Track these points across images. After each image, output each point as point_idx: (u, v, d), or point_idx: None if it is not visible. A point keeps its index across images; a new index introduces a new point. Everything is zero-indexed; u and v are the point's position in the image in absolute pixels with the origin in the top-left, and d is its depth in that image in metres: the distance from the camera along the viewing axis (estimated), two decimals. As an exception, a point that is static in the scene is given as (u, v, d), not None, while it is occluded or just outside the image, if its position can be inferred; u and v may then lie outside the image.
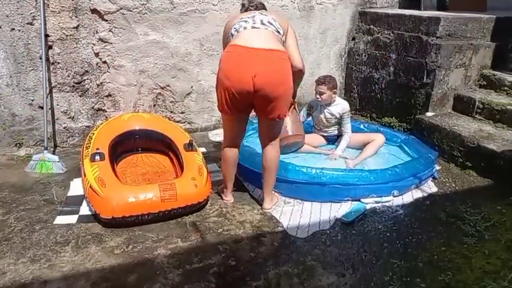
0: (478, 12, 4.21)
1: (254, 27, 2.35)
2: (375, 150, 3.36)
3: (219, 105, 2.42)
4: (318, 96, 3.34)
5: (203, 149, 3.49)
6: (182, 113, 3.94)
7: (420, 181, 2.96)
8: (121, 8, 3.38)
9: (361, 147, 3.41)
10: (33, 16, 3.12)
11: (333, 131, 3.51)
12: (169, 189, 2.44)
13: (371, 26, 4.31)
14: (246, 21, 2.38)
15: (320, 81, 3.32)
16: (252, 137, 3.65)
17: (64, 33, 3.26)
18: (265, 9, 2.62)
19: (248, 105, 2.39)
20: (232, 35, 2.39)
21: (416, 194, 2.92)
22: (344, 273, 2.09)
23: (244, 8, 2.60)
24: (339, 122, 3.45)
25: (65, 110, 3.47)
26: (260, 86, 2.24)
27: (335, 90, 3.38)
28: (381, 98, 4.28)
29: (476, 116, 3.66)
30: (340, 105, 3.41)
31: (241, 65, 2.27)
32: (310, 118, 3.62)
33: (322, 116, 3.46)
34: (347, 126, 3.43)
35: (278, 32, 2.40)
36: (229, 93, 2.30)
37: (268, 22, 2.39)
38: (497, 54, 3.96)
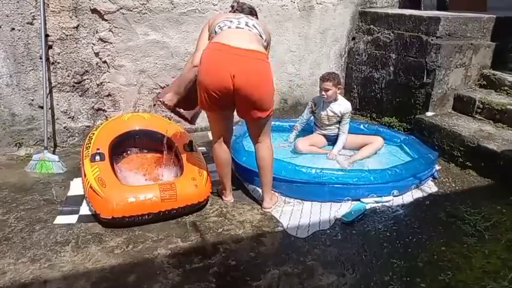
0: (478, 12, 4.21)
1: (238, 28, 2.38)
2: (371, 152, 3.37)
3: (200, 103, 2.40)
4: (323, 93, 3.33)
5: (203, 149, 3.49)
6: (182, 112, 3.94)
7: (420, 181, 2.96)
8: (121, 8, 3.38)
9: (358, 148, 3.42)
10: (33, 16, 3.12)
11: (333, 130, 3.51)
12: (169, 189, 2.44)
13: (371, 26, 4.31)
14: (231, 21, 2.41)
15: (325, 78, 3.33)
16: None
17: (64, 33, 3.26)
18: (254, 15, 2.63)
19: (229, 103, 2.36)
20: (216, 32, 2.39)
21: (416, 193, 2.92)
22: (344, 273, 2.09)
23: (233, 10, 2.62)
24: (340, 121, 3.45)
25: (65, 110, 3.47)
26: (239, 85, 2.24)
27: (340, 86, 3.40)
28: (381, 97, 4.28)
29: (476, 116, 3.66)
30: (343, 105, 3.41)
31: (220, 63, 2.26)
32: (312, 117, 3.62)
33: (324, 113, 3.45)
34: (345, 126, 3.44)
35: (261, 36, 2.43)
36: (208, 90, 2.28)
37: (253, 25, 2.42)
38: (497, 54, 3.96)
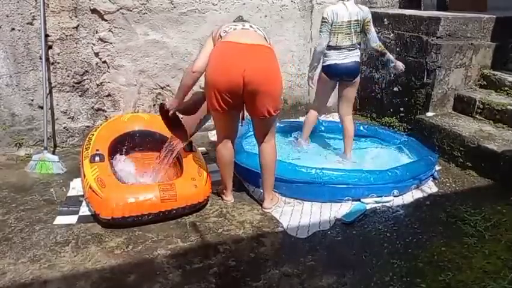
0: (478, 12, 4.21)
1: (244, 29, 2.43)
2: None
3: (210, 104, 2.41)
4: None
5: (203, 149, 3.48)
6: (182, 113, 3.93)
7: (420, 181, 2.96)
8: (120, 8, 3.38)
9: None
10: (33, 16, 3.12)
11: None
12: (168, 190, 2.44)
13: (371, 26, 4.30)
14: (235, 25, 2.46)
15: None
16: (251, 137, 3.66)
17: (64, 33, 3.26)
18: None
19: (239, 101, 2.38)
20: (221, 36, 2.41)
21: (417, 194, 2.92)
22: (344, 274, 2.09)
23: (237, 19, 2.67)
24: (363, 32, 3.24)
25: (65, 110, 3.47)
26: (249, 79, 2.25)
27: None
28: (382, 98, 4.28)
29: (477, 116, 3.66)
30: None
31: (230, 59, 2.29)
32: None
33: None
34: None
35: (265, 39, 2.44)
36: (219, 89, 2.29)
37: (257, 28, 2.47)
38: (498, 54, 3.95)
